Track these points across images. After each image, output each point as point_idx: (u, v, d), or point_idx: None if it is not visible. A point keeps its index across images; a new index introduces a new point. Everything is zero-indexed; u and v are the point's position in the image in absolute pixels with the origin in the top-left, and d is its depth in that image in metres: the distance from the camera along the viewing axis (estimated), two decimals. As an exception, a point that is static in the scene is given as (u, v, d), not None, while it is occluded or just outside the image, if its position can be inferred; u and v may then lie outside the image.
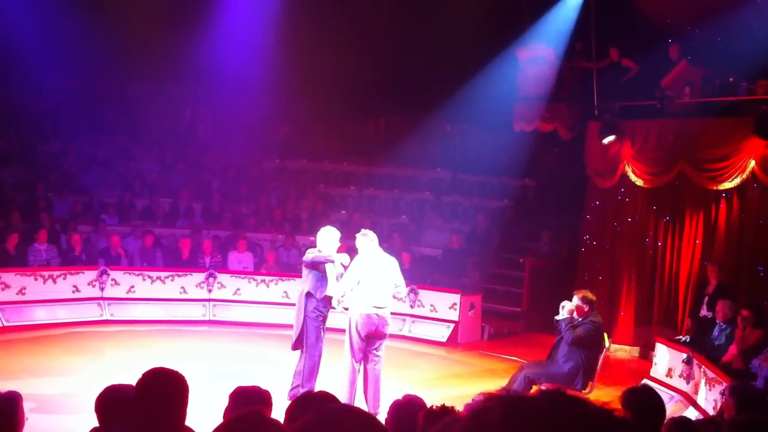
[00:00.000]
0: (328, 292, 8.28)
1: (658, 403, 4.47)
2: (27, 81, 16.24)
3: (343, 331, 8.39)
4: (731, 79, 11.67)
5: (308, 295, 8.43)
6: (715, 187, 11.54)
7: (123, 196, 15.91)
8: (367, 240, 8.20)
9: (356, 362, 8.04)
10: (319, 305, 8.40)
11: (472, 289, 13.66)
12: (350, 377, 8.07)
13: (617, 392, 9.51)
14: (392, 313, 10.50)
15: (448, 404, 3.77)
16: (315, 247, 8.67)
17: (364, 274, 8.01)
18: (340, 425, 1.63)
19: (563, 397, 1.37)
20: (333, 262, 8.34)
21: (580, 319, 8.54)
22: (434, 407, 3.75)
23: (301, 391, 8.07)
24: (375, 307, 7.96)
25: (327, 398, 3.54)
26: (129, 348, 10.92)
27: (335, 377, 8.47)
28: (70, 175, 16.32)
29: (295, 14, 16.43)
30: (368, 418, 1.70)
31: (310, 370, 8.43)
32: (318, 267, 8.38)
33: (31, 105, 17.00)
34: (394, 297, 8.57)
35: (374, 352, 8.03)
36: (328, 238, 8.49)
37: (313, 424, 1.64)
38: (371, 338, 8.00)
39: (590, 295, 8.79)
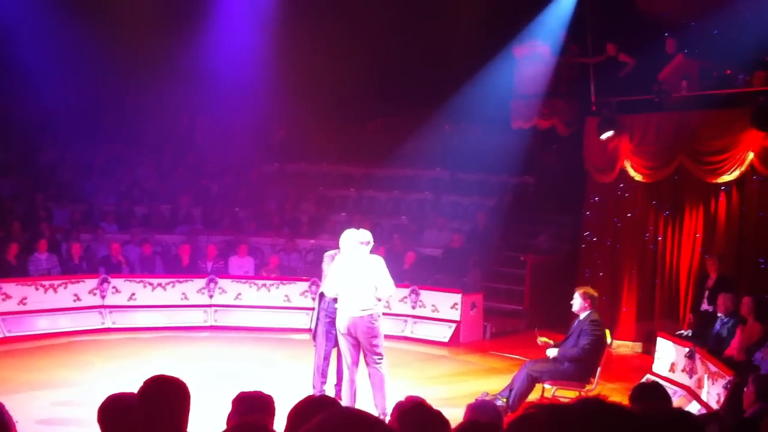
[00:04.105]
0: (322, 288, 8.29)
1: (666, 398, 4.50)
2: (23, 90, 16.19)
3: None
4: (728, 72, 11.66)
5: (321, 294, 8.51)
6: (714, 180, 11.52)
7: (122, 203, 15.90)
8: (349, 241, 8.06)
9: (349, 364, 7.93)
10: (330, 306, 8.35)
11: (474, 288, 13.65)
12: (347, 380, 8.01)
13: (620, 388, 9.55)
14: (393, 315, 10.48)
15: (453, 403, 3.75)
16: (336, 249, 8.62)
17: (340, 276, 7.95)
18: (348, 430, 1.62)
19: (603, 403, 1.50)
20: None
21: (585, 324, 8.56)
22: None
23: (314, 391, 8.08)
24: (352, 309, 7.85)
25: (329, 403, 3.53)
26: (131, 356, 10.89)
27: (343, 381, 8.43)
28: (68, 183, 16.31)
29: (291, 16, 16.42)
30: (375, 423, 1.67)
31: (316, 368, 8.43)
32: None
33: (28, 115, 16.97)
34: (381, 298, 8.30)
35: (372, 356, 7.87)
36: (342, 240, 8.34)
37: (323, 428, 1.62)
38: (354, 338, 7.89)
39: (591, 291, 8.84)
